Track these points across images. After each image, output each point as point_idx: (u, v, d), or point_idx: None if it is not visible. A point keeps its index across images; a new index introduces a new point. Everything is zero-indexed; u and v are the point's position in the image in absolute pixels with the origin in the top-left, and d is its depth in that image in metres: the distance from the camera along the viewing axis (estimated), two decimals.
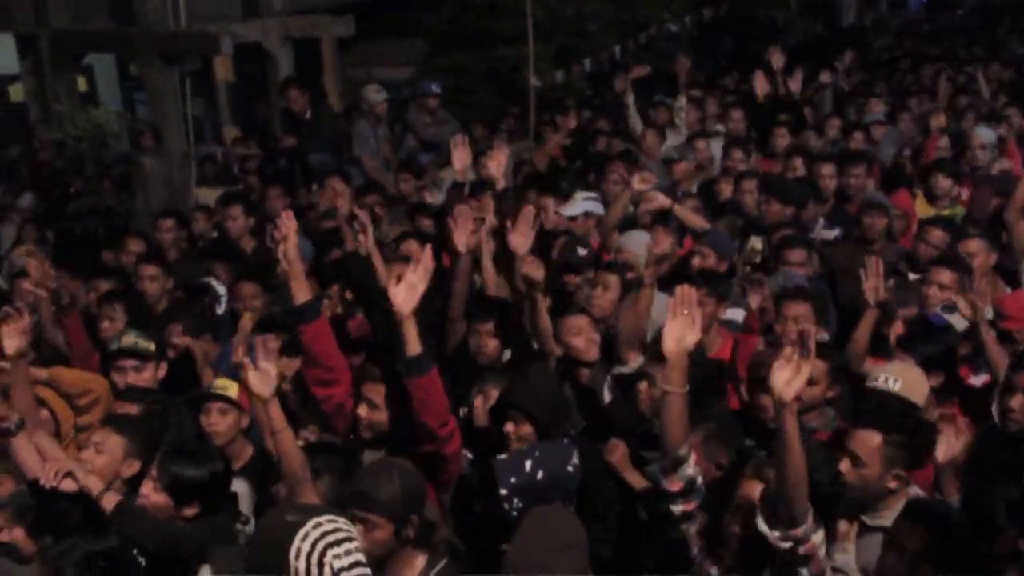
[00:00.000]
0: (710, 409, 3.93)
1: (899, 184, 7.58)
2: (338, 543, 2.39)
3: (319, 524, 2.41)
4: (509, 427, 3.85)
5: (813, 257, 6.02)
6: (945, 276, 5.13)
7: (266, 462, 4.05)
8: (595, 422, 4.41)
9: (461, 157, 6.28)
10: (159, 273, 6.00)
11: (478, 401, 4.22)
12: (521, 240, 4.77)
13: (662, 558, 3.56)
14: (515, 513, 3.33)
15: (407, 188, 8.06)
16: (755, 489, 3.17)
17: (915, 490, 3.57)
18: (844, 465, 3.44)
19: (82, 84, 13.83)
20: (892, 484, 3.48)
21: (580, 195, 6.80)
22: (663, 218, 6.26)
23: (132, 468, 3.78)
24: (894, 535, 3.29)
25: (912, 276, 5.82)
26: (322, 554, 2.36)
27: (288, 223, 3.97)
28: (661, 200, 6.25)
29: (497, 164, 6.12)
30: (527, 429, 3.84)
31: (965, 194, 7.24)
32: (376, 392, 3.98)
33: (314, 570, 2.35)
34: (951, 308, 4.75)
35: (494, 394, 4.12)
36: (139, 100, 14.87)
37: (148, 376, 4.64)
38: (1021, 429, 3.87)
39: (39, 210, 9.85)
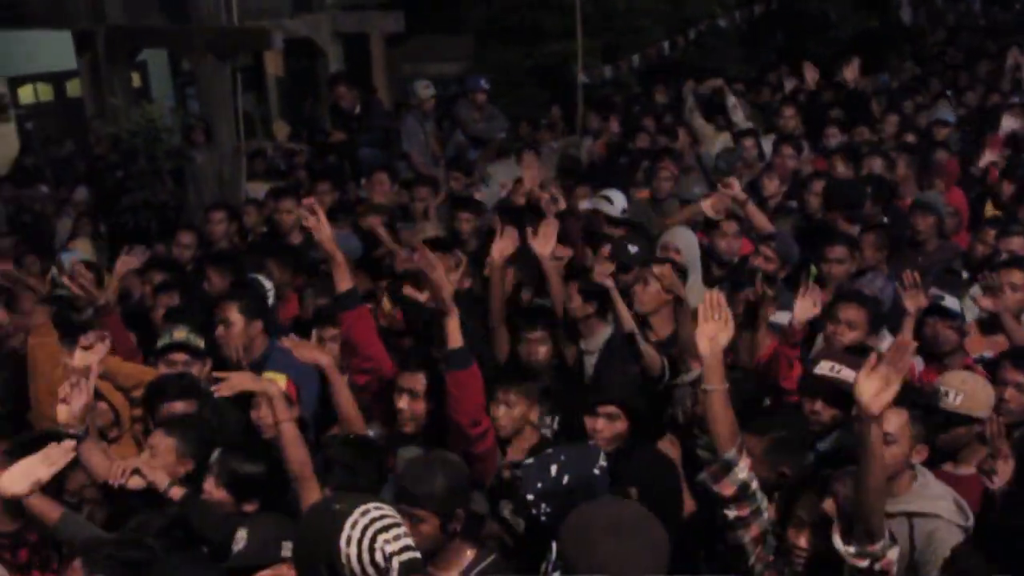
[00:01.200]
0: (786, 416, 3.87)
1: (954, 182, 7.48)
2: (387, 528, 2.43)
3: (367, 511, 2.44)
4: (600, 424, 3.81)
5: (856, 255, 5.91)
6: (1017, 276, 5.03)
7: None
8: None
9: (532, 177, 6.25)
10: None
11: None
12: (542, 245, 4.74)
13: (720, 565, 3.51)
14: (543, 519, 3.29)
15: (457, 186, 8.09)
16: (825, 504, 3.10)
17: (928, 475, 3.54)
18: None
19: (136, 80, 14.07)
20: (915, 459, 3.46)
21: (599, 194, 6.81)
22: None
23: (186, 467, 3.84)
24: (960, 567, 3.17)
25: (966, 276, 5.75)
26: (372, 540, 2.39)
27: (311, 213, 4.00)
28: (737, 191, 6.10)
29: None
30: (621, 426, 3.81)
31: None
32: (416, 381, 3.97)
33: (365, 555, 2.38)
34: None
35: (510, 398, 4.00)
36: (190, 95, 15.09)
37: (196, 372, 4.66)
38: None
39: (94, 204, 10.03)
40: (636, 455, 3.69)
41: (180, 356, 4.67)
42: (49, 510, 3.43)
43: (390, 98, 12.81)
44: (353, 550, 2.38)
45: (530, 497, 3.29)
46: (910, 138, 8.58)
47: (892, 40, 15.47)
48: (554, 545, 3.29)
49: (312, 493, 3.46)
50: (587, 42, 11.01)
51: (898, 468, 3.43)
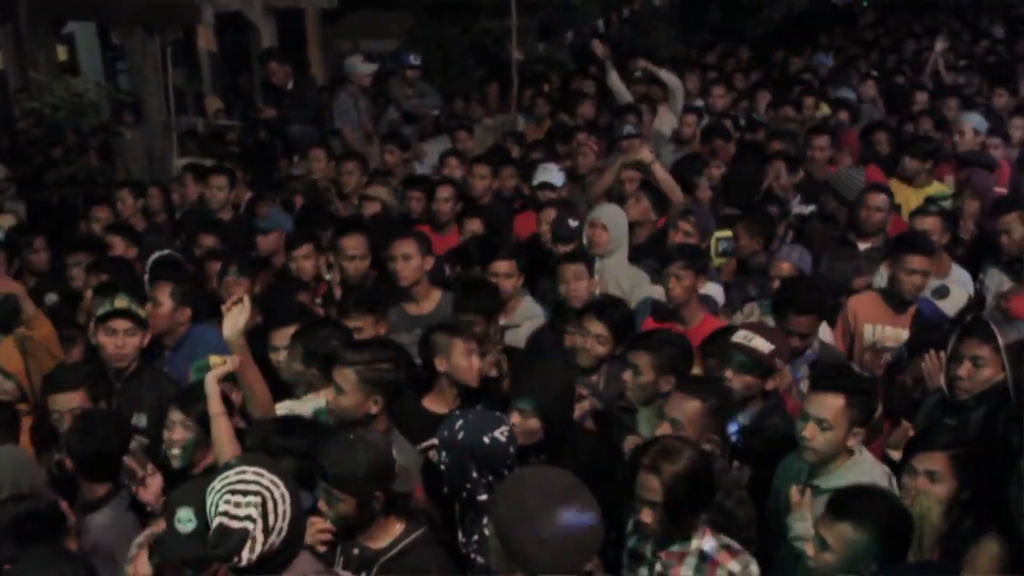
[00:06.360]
0: (718, 383, 3.92)
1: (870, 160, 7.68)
2: (242, 493, 2.57)
3: (225, 477, 2.61)
4: (515, 419, 3.72)
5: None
6: (917, 261, 5.05)
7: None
8: None
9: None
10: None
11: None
12: None
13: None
14: (442, 467, 3.44)
15: (392, 160, 8.05)
16: (651, 482, 3.09)
17: (865, 453, 3.62)
18: (809, 430, 3.47)
19: (62, 53, 13.69)
20: (851, 443, 3.53)
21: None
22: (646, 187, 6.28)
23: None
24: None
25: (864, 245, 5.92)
26: (217, 504, 2.58)
27: None
28: (645, 153, 6.26)
29: None
30: (533, 424, 3.72)
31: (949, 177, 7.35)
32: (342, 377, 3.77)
33: (211, 509, 2.60)
34: (943, 294, 4.78)
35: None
36: (120, 70, 14.76)
37: (137, 342, 4.58)
38: (969, 397, 3.92)
39: (16, 180, 9.77)
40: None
41: (122, 323, 4.53)
42: None
43: (324, 74, 12.67)
44: (210, 499, 2.60)
45: (435, 442, 3.50)
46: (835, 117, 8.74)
47: (824, 20, 15.69)
48: (457, 507, 3.47)
49: None
50: (522, 20, 10.99)
51: (832, 453, 3.49)
